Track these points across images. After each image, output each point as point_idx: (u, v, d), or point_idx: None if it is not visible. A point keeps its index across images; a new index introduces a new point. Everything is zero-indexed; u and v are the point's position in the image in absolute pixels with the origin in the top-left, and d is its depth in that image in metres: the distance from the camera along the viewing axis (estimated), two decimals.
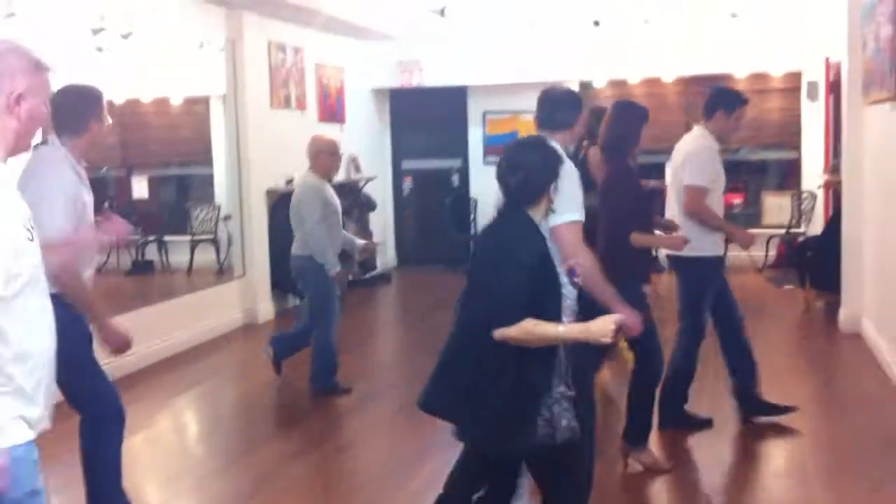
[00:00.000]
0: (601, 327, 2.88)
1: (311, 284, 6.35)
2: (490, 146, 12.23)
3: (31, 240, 2.27)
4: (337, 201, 6.41)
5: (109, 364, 6.67)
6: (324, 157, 6.35)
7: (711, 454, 5.04)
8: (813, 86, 10.83)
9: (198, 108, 11.75)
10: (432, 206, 12.67)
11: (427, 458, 5.04)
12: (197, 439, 6.11)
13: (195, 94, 11.42)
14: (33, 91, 2.37)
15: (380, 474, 4.99)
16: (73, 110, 3.80)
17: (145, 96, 11.24)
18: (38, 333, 2.30)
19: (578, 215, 3.76)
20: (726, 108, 5.20)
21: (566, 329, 2.96)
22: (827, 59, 9.84)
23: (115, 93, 11.10)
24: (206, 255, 10.86)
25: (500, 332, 2.92)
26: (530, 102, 13.17)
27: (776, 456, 5.13)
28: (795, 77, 11.33)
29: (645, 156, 11.93)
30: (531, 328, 2.89)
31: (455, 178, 12.62)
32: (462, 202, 12.31)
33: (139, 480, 5.16)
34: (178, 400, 6.75)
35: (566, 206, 3.83)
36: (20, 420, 2.25)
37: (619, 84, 12.09)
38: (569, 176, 3.86)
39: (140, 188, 11.60)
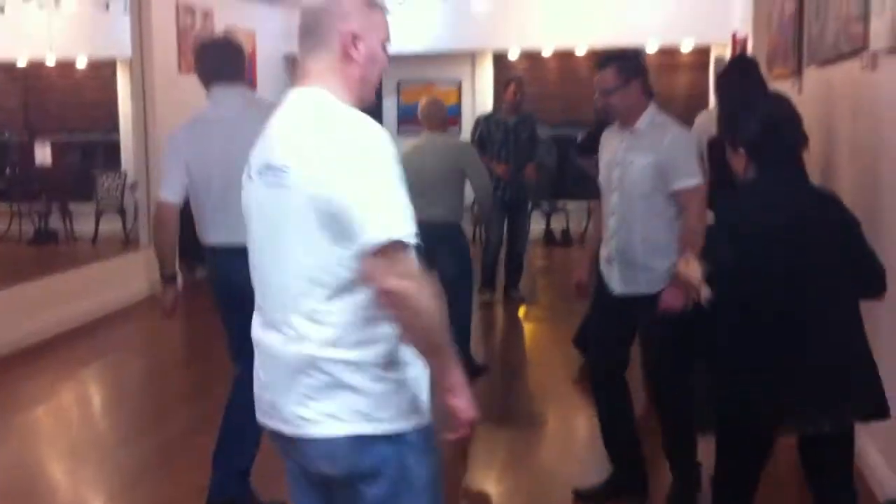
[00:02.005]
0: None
1: (459, 252, 5.83)
2: (405, 116, 12.18)
3: None
4: None
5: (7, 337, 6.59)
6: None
7: None
8: (720, 61, 11.01)
9: (104, 71, 11.47)
10: None
11: None
12: (101, 411, 6.01)
13: (101, 57, 11.15)
14: (369, 30, 2.20)
15: None
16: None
17: (49, 58, 10.92)
18: None
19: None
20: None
21: None
22: (734, 35, 10.01)
23: (17, 54, 10.81)
24: (112, 224, 10.65)
25: None
26: (444, 72, 13.18)
27: None
28: (704, 52, 11.51)
29: (558, 128, 12.08)
30: None
31: None
32: None
33: (42, 452, 5.09)
34: (81, 372, 6.62)
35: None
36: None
37: (532, 56, 12.14)
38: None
39: (43, 154, 11.29)
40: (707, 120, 5.34)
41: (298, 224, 2.06)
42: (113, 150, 11.30)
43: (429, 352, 2.08)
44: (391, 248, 1.95)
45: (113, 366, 6.81)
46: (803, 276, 2.86)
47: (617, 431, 4.10)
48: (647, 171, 3.76)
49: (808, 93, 5.96)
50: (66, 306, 7.44)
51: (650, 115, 3.84)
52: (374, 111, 12.30)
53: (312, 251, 2.06)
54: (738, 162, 3.01)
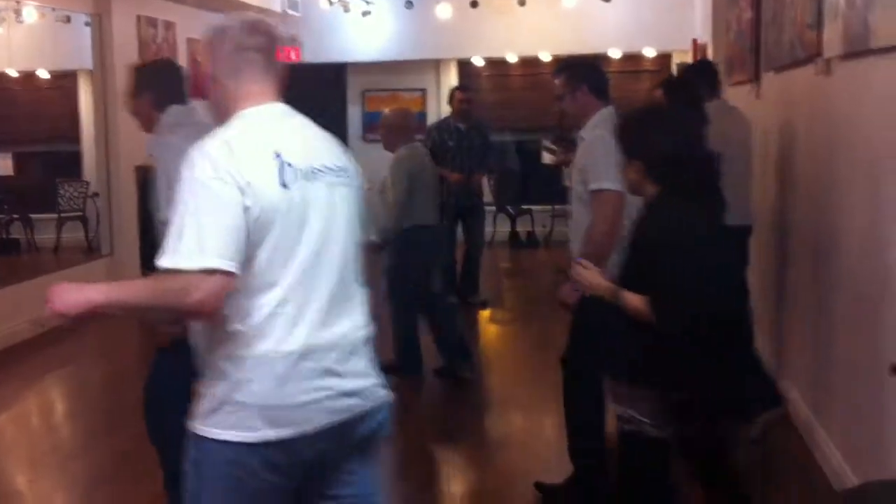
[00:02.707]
0: None
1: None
2: (370, 124, 12.18)
3: None
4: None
5: None
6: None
7: None
8: (682, 67, 11.13)
9: (65, 82, 11.40)
10: None
11: None
12: (62, 419, 5.99)
13: (63, 68, 11.08)
14: None
15: None
16: None
17: (10, 70, 10.85)
18: None
19: None
20: None
21: None
22: (695, 41, 10.12)
23: None
24: (74, 233, 10.59)
25: None
26: (410, 80, 13.18)
27: None
28: (665, 58, 11.63)
29: (524, 134, 12.16)
30: None
31: None
32: None
33: (3, 460, 5.04)
34: (44, 380, 6.58)
35: None
36: None
37: (497, 63, 12.22)
38: None
39: (5, 164, 11.19)
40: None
41: (354, 219, 2.39)
42: (75, 160, 11.23)
43: None
44: None
45: (74, 374, 6.77)
46: (738, 282, 2.98)
47: (579, 433, 4.13)
48: (576, 174, 3.87)
49: (766, 97, 6.05)
50: (28, 315, 7.37)
51: (594, 120, 3.88)
52: (339, 119, 12.39)
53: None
54: (633, 173, 3.01)
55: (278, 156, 2.21)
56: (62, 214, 10.73)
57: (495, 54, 11.89)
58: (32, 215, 10.82)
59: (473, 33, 11.39)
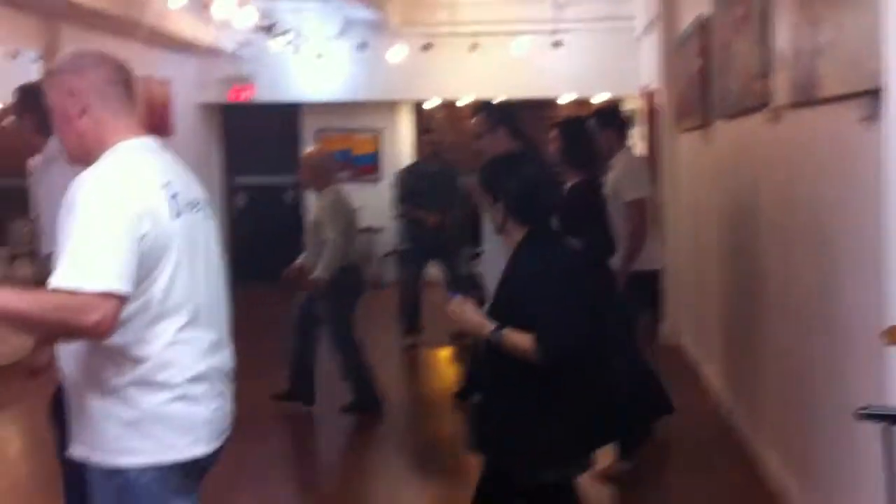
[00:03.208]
0: None
1: None
2: None
3: None
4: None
5: None
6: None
7: None
8: (632, 113, 11.30)
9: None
10: (267, 222, 12.56)
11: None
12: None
13: (9, 103, 10.93)
14: None
15: None
16: None
17: None
18: None
19: None
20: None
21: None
22: (644, 88, 10.30)
23: None
24: (24, 269, 10.41)
25: None
26: (365, 121, 13.14)
27: None
28: (616, 104, 11.79)
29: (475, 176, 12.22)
30: None
31: (288, 196, 12.53)
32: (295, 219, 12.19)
33: None
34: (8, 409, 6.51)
35: None
36: None
37: (449, 105, 12.33)
38: None
39: None
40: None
41: (218, 251, 2.50)
42: (26, 195, 11.05)
43: None
44: None
45: (25, 413, 6.65)
46: (597, 320, 3.10)
47: None
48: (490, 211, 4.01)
49: (717, 144, 6.19)
50: None
51: None
52: (293, 159, 12.36)
53: None
54: (497, 215, 3.14)
55: (166, 186, 2.28)
56: (13, 250, 10.57)
57: (449, 97, 12.01)
58: None
59: (427, 76, 11.49)
